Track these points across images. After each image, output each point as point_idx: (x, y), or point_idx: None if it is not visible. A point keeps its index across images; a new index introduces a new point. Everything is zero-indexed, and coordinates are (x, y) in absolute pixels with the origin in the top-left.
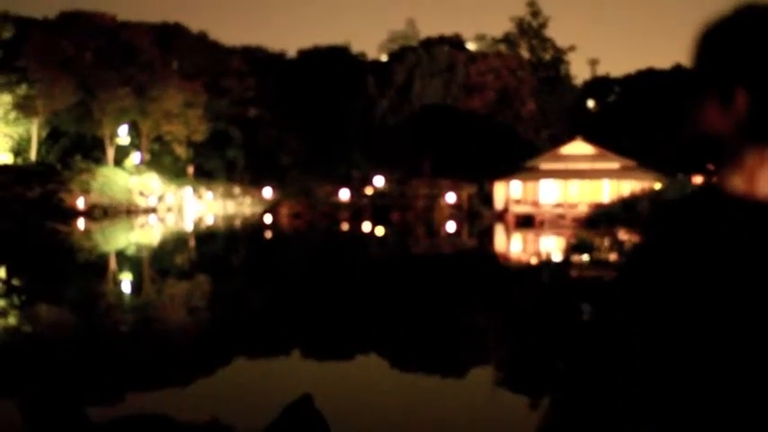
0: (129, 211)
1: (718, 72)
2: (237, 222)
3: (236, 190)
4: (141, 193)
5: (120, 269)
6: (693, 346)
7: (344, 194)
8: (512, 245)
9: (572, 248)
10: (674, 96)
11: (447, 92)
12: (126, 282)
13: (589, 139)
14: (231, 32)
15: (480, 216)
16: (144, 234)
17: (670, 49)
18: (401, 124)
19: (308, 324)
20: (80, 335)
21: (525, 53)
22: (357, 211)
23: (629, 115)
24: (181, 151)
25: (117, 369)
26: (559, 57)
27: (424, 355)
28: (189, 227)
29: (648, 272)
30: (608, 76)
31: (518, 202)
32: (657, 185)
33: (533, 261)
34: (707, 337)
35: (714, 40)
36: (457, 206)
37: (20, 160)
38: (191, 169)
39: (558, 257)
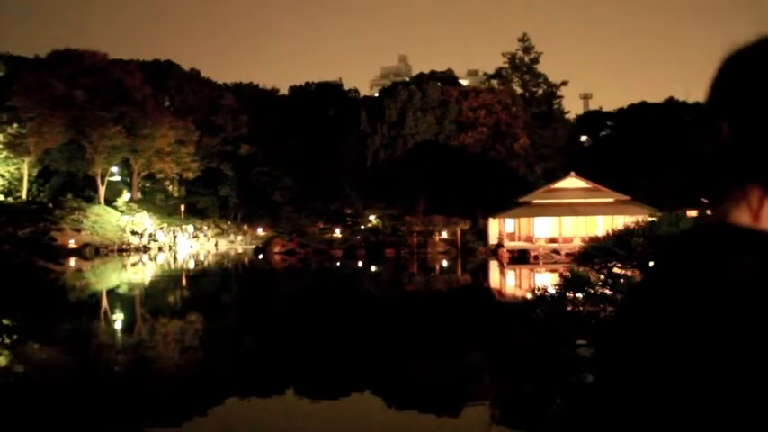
0: (120, 250)
1: (709, 103)
2: (230, 260)
3: (229, 227)
4: (133, 232)
5: (112, 309)
6: (704, 388)
7: (338, 231)
8: (506, 280)
9: (566, 283)
10: (667, 130)
11: (440, 128)
12: (118, 321)
13: (583, 173)
14: (223, 70)
15: (474, 252)
16: (136, 273)
17: (663, 82)
18: (394, 160)
19: (303, 362)
20: (72, 375)
21: (518, 88)
22: (351, 247)
23: (622, 149)
24: (173, 189)
25: (111, 409)
26: (552, 92)
27: (419, 393)
28: (181, 265)
29: (656, 310)
30: (601, 110)
31: (512, 237)
32: (652, 219)
33: (528, 296)
34: (720, 378)
35: (720, 71)
36: (451, 242)
37: (11, 199)
38: (183, 207)
39: (552, 292)
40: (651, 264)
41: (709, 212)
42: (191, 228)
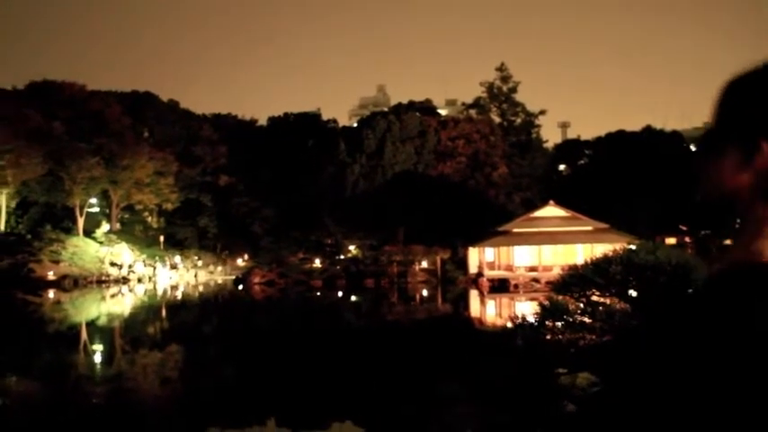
0: (99, 281)
1: (741, 126)
2: (210, 291)
3: (209, 258)
4: (112, 263)
5: (92, 341)
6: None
7: (318, 261)
8: (486, 309)
9: (545, 312)
10: (645, 158)
11: (419, 157)
12: (98, 353)
13: (562, 202)
14: (202, 101)
15: (455, 281)
16: (115, 304)
17: (641, 111)
18: (373, 190)
19: (283, 394)
20: (51, 408)
21: (496, 118)
22: (331, 277)
23: (601, 177)
24: (152, 220)
25: None
26: (530, 121)
27: (399, 423)
28: (160, 296)
29: (687, 356)
30: (579, 138)
31: (492, 266)
32: (629, 247)
33: (507, 325)
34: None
35: (739, 93)
36: (431, 271)
37: None
38: (162, 238)
39: (532, 321)
40: (680, 304)
41: (735, 246)
42: (177, 258)
